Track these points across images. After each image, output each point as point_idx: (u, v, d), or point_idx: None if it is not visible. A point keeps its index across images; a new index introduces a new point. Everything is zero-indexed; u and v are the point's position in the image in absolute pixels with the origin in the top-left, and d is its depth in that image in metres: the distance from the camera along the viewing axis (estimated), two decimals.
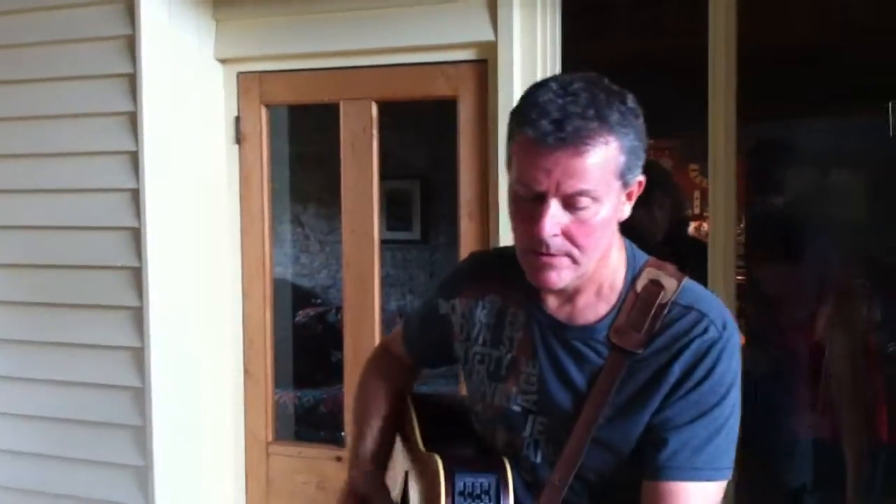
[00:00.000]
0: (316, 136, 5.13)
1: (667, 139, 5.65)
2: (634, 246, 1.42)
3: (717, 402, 1.30)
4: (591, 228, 1.28)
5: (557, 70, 2.72)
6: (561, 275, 1.31)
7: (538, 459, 1.40)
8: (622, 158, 1.27)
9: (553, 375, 1.38)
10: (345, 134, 2.97)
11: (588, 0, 2.71)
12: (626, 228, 1.34)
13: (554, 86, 1.27)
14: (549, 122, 1.24)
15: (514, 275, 1.39)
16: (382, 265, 2.99)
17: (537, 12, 2.67)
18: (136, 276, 2.89)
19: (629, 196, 1.33)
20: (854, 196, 3.68)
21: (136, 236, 2.88)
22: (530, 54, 2.68)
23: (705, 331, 1.30)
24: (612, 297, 1.37)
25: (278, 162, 4.62)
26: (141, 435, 2.92)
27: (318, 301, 5.93)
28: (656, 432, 1.31)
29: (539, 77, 2.66)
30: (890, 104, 4.09)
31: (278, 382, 4.73)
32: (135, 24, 2.83)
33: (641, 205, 3.36)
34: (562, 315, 1.39)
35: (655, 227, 3.20)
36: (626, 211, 1.34)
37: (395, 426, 1.66)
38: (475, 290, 1.51)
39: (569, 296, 1.38)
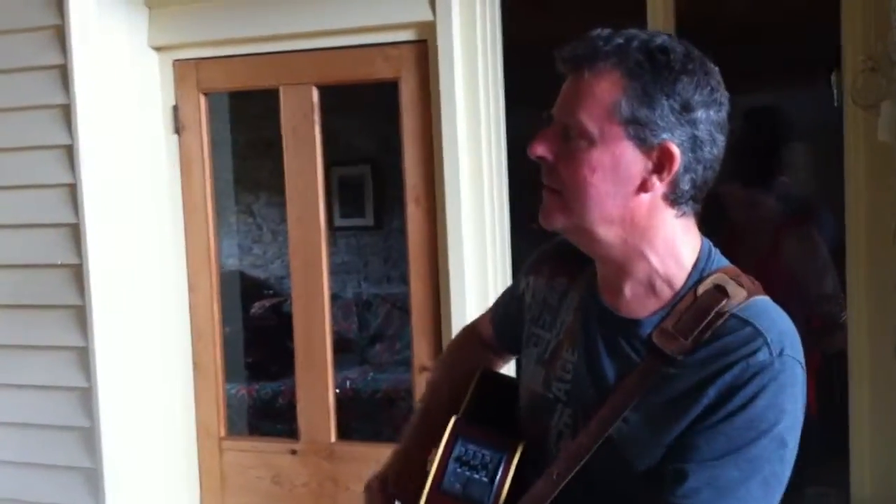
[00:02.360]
0: (263, 122, 5.06)
1: None
2: (717, 251, 1.27)
3: (754, 439, 1.12)
4: (576, 165, 1.18)
5: (498, 49, 2.69)
6: (553, 214, 1.22)
7: (558, 452, 1.28)
8: (624, 100, 1.15)
9: (587, 366, 1.27)
10: (286, 120, 2.92)
11: None
12: None
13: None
14: (569, 44, 1.19)
15: (587, 260, 1.30)
16: (336, 252, 2.96)
17: None
18: (78, 274, 2.82)
19: (656, 165, 1.17)
20: (800, 167, 3.68)
21: (76, 232, 2.81)
22: (470, 33, 2.65)
23: (755, 353, 1.13)
24: (665, 294, 1.23)
25: (222, 151, 4.57)
26: (89, 436, 2.85)
27: (272, 292, 5.88)
28: (678, 460, 1.15)
29: (479, 56, 2.65)
30: (832, 75, 4.11)
31: (234, 376, 4.70)
32: (64, 14, 2.74)
33: None
34: (610, 304, 1.27)
35: None
36: (656, 186, 1.18)
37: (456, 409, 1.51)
38: (550, 270, 1.41)
39: (616, 282, 1.26)
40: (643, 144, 1.16)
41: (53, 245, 2.84)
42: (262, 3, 2.85)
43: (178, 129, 3.03)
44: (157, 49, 3.02)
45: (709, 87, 1.18)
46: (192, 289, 3.07)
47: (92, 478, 2.86)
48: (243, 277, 5.96)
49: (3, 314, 2.94)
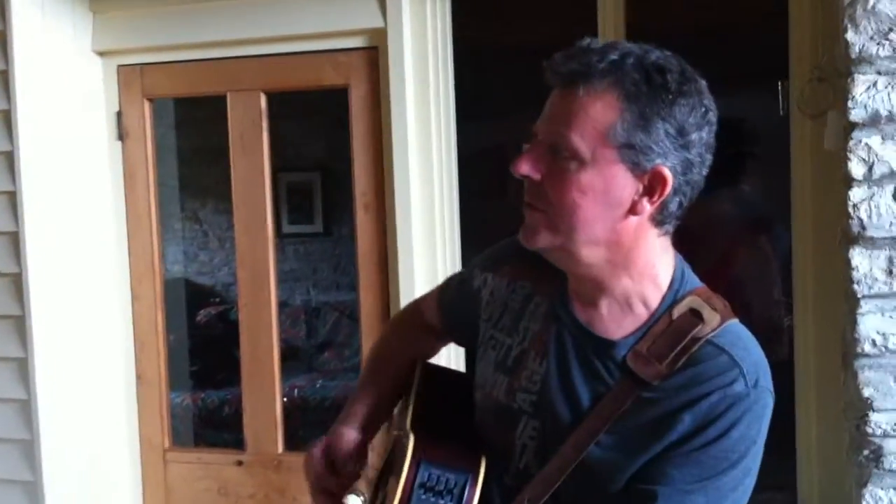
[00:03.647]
0: (209, 127, 4.99)
1: None
2: (689, 270, 1.27)
3: (726, 469, 1.14)
4: (565, 185, 1.15)
5: (449, 56, 2.68)
6: (537, 235, 1.19)
7: (521, 465, 1.28)
8: (619, 124, 1.12)
9: (558, 380, 1.25)
10: (233, 126, 2.87)
11: None
12: None
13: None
14: (560, 56, 1.16)
15: (551, 265, 1.27)
16: (285, 259, 2.93)
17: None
18: (17, 283, 2.74)
19: (647, 188, 1.15)
20: (750, 175, 3.71)
21: (15, 241, 2.73)
22: (421, 40, 2.64)
23: (731, 383, 1.14)
24: (641, 315, 1.22)
25: (167, 157, 4.49)
26: (29, 449, 2.77)
27: (219, 300, 5.80)
28: (649, 482, 1.16)
29: (430, 62, 2.64)
30: (780, 84, 4.17)
31: (178, 385, 4.62)
32: (6, 18, 2.68)
33: None
34: (584, 319, 1.25)
35: None
36: (645, 207, 1.16)
37: (399, 392, 1.52)
38: (512, 271, 1.37)
39: (591, 298, 1.24)
40: (636, 168, 1.14)
41: None
42: (208, 8, 2.80)
43: (121, 136, 2.96)
44: (101, 54, 2.95)
45: (703, 109, 1.17)
46: (135, 298, 3.01)
47: (32, 492, 2.78)
48: (189, 285, 5.87)
49: None
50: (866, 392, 1.76)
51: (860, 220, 1.75)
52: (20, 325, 2.75)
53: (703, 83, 1.19)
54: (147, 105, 2.96)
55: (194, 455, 3.10)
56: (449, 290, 1.54)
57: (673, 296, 1.22)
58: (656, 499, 1.14)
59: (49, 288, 2.78)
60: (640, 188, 1.15)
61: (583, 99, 1.14)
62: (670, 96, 1.13)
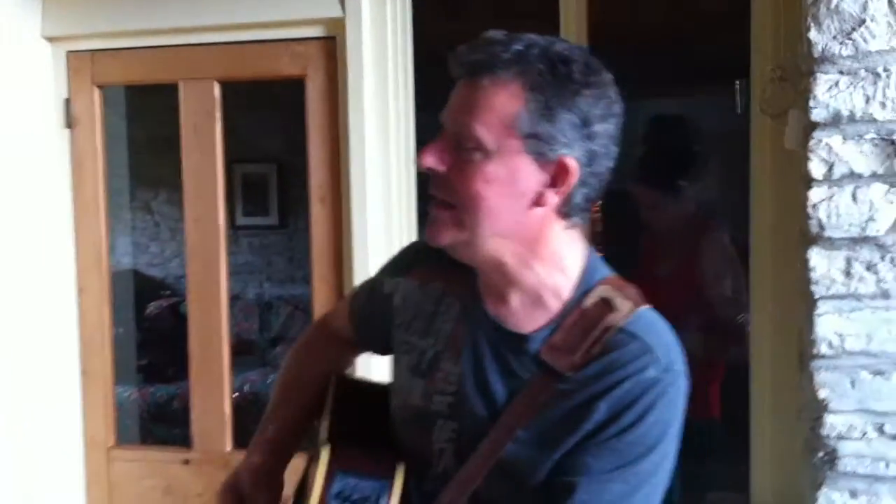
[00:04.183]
0: (163, 116, 4.89)
1: None
2: (602, 262, 1.27)
3: (644, 454, 1.14)
4: (470, 178, 1.14)
5: (408, 48, 2.64)
6: (443, 231, 1.18)
7: (440, 469, 1.25)
8: (525, 113, 1.12)
9: (473, 379, 1.24)
10: (185, 116, 2.80)
11: None
12: None
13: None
14: (465, 47, 1.16)
15: (463, 264, 1.26)
16: (239, 252, 2.88)
17: None
18: None
19: (553, 179, 1.15)
20: (706, 172, 3.73)
21: None
22: (380, 31, 2.59)
23: (644, 369, 1.14)
24: (553, 308, 1.21)
25: (118, 146, 4.39)
26: None
27: (169, 292, 5.71)
28: (568, 473, 1.15)
29: (390, 53, 2.59)
30: (737, 83, 4.19)
31: (126, 379, 4.52)
32: None
33: None
34: (497, 314, 1.24)
35: None
36: (550, 198, 1.16)
37: (312, 414, 1.46)
38: (423, 273, 1.35)
39: (501, 292, 1.24)
40: (541, 159, 1.14)
41: None
42: None
43: (70, 124, 2.87)
44: (50, 40, 2.86)
45: (607, 99, 1.17)
46: (81, 290, 2.92)
47: None
48: (138, 276, 5.76)
49: None
50: (822, 393, 1.75)
51: (819, 220, 1.74)
52: None
53: (609, 76, 1.19)
54: (97, 92, 2.87)
55: (140, 453, 3.02)
56: (359, 300, 1.50)
57: (584, 287, 1.22)
58: (575, 490, 1.13)
59: None
60: (546, 179, 1.15)
61: (487, 89, 1.13)
62: (575, 86, 1.13)
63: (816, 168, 1.74)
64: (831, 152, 1.73)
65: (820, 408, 1.76)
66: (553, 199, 1.16)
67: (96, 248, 2.91)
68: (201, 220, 2.84)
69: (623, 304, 1.19)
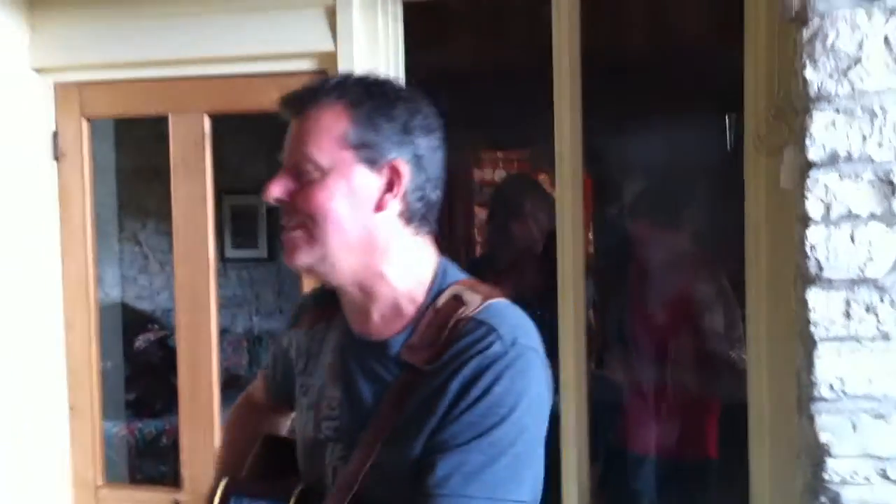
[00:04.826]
0: (151, 147, 4.85)
1: (516, 149, 5.66)
2: (453, 266, 1.36)
3: (496, 424, 1.18)
4: (313, 194, 1.24)
5: (401, 80, 2.62)
6: (298, 252, 1.27)
7: (334, 489, 1.29)
8: (350, 128, 1.24)
9: (347, 396, 1.32)
10: (174, 149, 2.77)
11: (430, 9, 2.61)
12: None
13: None
14: (289, 92, 1.29)
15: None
16: (227, 285, 2.85)
17: (378, 21, 2.57)
18: None
19: (388, 183, 1.26)
20: (697, 204, 3.73)
21: None
22: (372, 64, 2.56)
23: (489, 346, 1.20)
24: (409, 312, 1.30)
25: (106, 177, 4.35)
26: None
27: (157, 326, 5.64)
28: (429, 456, 1.19)
29: None
30: (727, 117, 4.20)
31: (114, 413, 4.46)
32: None
33: (516, 217, 3.30)
34: (361, 332, 1.33)
35: (533, 240, 3.15)
36: (390, 203, 1.27)
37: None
38: (310, 318, 1.47)
39: (361, 308, 1.32)
40: (373, 165, 1.25)
41: None
42: (151, 26, 2.70)
43: (57, 156, 2.84)
44: (39, 71, 2.83)
45: (422, 114, 1.29)
46: (68, 326, 2.88)
47: None
48: (126, 309, 5.70)
49: None
50: (823, 437, 1.72)
51: (817, 261, 1.71)
52: None
53: (424, 100, 1.32)
54: (85, 124, 2.85)
55: (128, 493, 2.99)
56: (270, 367, 1.60)
57: (437, 289, 1.31)
58: (436, 466, 1.18)
59: None
60: (382, 184, 1.26)
61: (314, 115, 1.26)
62: (391, 100, 1.27)
63: (814, 208, 1.72)
64: (829, 192, 1.71)
65: (821, 452, 1.73)
66: (393, 203, 1.27)
67: (83, 281, 2.87)
68: (190, 254, 2.81)
69: (473, 298, 1.27)
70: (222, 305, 3.00)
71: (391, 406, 1.25)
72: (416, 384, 1.23)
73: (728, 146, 4.09)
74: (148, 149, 4.74)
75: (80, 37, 2.78)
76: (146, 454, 4.78)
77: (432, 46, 3.06)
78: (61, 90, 2.85)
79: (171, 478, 3.19)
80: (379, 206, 1.26)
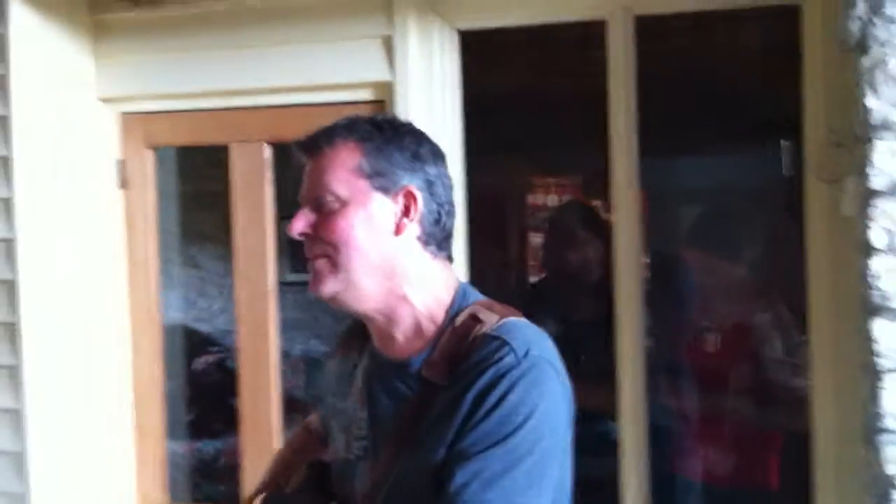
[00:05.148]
0: (210, 172, 4.93)
1: (568, 175, 5.66)
2: (473, 289, 1.42)
3: (512, 432, 1.21)
4: (336, 224, 1.32)
5: (457, 109, 2.65)
6: (324, 281, 1.34)
7: None
8: (363, 159, 1.33)
9: (375, 417, 1.38)
10: (235, 177, 2.83)
11: (485, 37, 2.64)
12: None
13: None
14: (302, 137, 1.39)
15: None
16: (285, 308, 2.89)
17: (434, 51, 2.60)
18: (11, 332, 2.68)
19: (404, 208, 1.34)
20: (753, 231, 3.71)
21: (11, 289, 2.67)
22: (428, 94, 2.60)
23: (502, 358, 1.25)
24: (430, 332, 1.36)
25: (168, 203, 4.45)
26: (20, 503, 2.68)
27: (217, 349, 5.72)
28: (448, 466, 1.24)
29: (438, 117, 2.60)
30: (782, 143, 4.16)
31: (175, 433, 4.53)
32: (6, 63, 2.64)
33: (573, 246, 3.28)
34: (386, 353, 1.40)
35: (590, 268, 3.15)
36: (408, 227, 1.34)
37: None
38: (343, 348, 1.55)
39: (385, 331, 1.39)
40: (388, 192, 1.34)
41: None
42: (213, 57, 2.77)
43: (123, 184, 2.92)
44: (105, 101, 2.92)
45: (428, 144, 1.39)
46: (134, 349, 2.95)
47: None
48: (187, 331, 5.79)
49: None
50: (891, 469, 1.70)
51: (882, 291, 1.70)
52: (14, 375, 2.68)
53: (428, 136, 1.42)
54: (149, 153, 2.93)
55: None
56: (319, 397, 1.69)
57: (456, 309, 1.37)
58: (454, 474, 1.21)
59: (45, 337, 2.72)
60: (398, 210, 1.34)
61: (329, 153, 1.35)
62: (398, 133, 1.37)
63: (877, 237, 1.71)
64: (893, 221, 1.70)
65: (888, 483, 1.71)
66: (410, 226, 1.35)
67: (148, 305, 2.94)
68: (250, 278, 2.86)
69: (490, 317, 1.33)
70: (281, 329, 3.05)
71: (410, 420, 1.30)
72: (434, 398, 1.29)
73: (784, 172, 4.05)
74: (205, 174, 4.84)
75: (145, 68, 2.86)
76: (205, 474, 4.83)
77: (487, 73, 3.09)
78: (126, 120, 2.93)
79: (228, 498, 3.22)
80: (397, 230, 1.34)
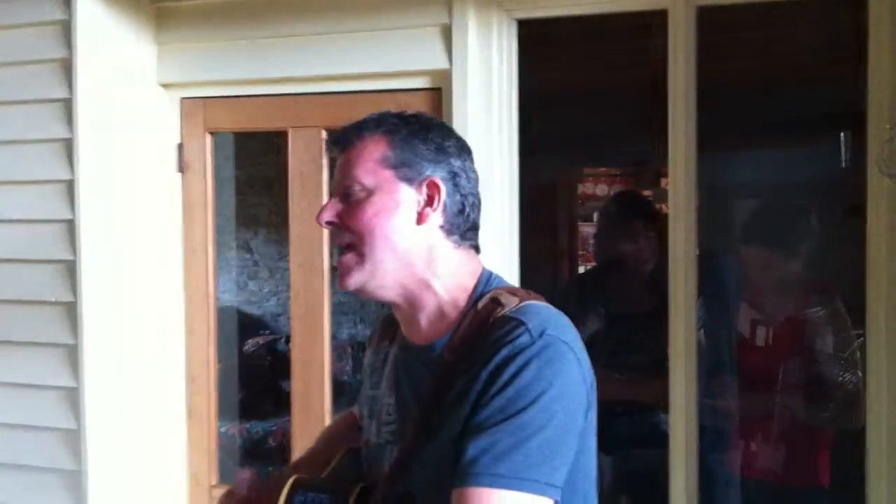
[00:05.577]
0: (265, 158, 4.99)
1: (620, 166, 5.63)
2: (497, 275, 1.45)
3: (525, 408, 1.23)
4: (362, 213, 1.36)
5: (514, 98, 2.65)
6: (351, 274, 1.38)
7: None
8: (389, 151, 1.37)
9: (402, 402, 1.42)
10: (293, 163, 2.86)
11: (546, 28, 2.64)
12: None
13: None
14: (335, 132, 1.44)
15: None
16: (334, 293, 2.92)
17: (493, 40, 2.60)
18: (71, 312, 2.74)
19: (427, 198, 1.38)
20: (809, 224, 3.67)
21: (71, 270, 2.74)
22: (486, 83, 2.60)
23: (517, 337, 1.27)
24: (452, 317, 1.40)
25: (224, 188, 4.52)
26: (75, 480, 2.76)
27: (268, 331, 5.79)
28: (463, 441, 1.26)
29: (495, 105, 2.61)
30: (842, 135, 4.10)
31: (225, 414, 4.60)
32: (71, 47, 2.70)
33: (626, 236, 3.26)
34: (412, 339, 1.44)
35: (642, 258, 3.14)
36: (431, 217, 1.38)
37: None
38: (377, 338, 1.58)
39: (411, 318, 1.43)
40: (412, 182, 1.38)
41: (48, 282, 2.77)
42: (272, 44, 2.80)
43: (181, 168, 2.97)
44: (165, 86, 2.97)
45: (454, 138, 1.44)
46: (188, 331, 3.00)
47: None
48: (238, 314, 5.87)
49: None
50: None
51: None
52: (73, 354, 2.75)
53: (454, 131, 1.47)
54: (209, 138, 2.97)
55: None
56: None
57: (478, 294, 1.40)
58: (467, 448, 1.24)
59: (103, 318, 2.78)
60: (422, 199, 1.38)
61: (358, 147, 1.40)
62: (425, 127, 1.42)
63: None
64: None
65: None
66: (433, 216, 1.39)
67: (203, 290, 2.99)
68: (304, 265, 2.89)
69: (510, 300, 1.35)
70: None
71: (431, 402, 1.33)
72: (454, 379, 1.31)
73: (842, 164, 3.98)
74: (260, 161, 4.90)
75: (205, 55, 2.90)
76: (253, 454, 4.90)
77: (541, 63, 3.08)
78: (186, 105, 2.97)
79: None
80: (420, 220, 1.38)
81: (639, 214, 3.24)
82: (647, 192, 5.10)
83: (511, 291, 1.39)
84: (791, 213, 3.09)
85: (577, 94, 3.91)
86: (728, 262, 3.21)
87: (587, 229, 5.40)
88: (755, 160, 3.96)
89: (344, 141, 1.43)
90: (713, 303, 3.20)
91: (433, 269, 1.39)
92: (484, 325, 1.33)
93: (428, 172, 1.39)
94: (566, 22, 2.65)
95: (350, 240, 1.38)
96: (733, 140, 3.94)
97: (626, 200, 3.90)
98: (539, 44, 2.76)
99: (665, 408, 2.56)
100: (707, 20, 2.46)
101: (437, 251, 1.40)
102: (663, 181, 4.21)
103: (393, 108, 2.34)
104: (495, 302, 1.35)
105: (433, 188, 1.39)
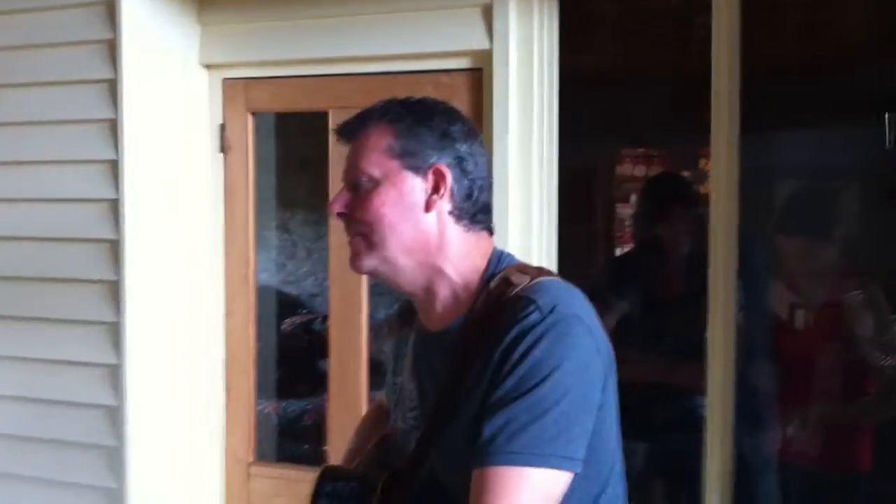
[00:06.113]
0: (304, 140, 4.99)
1: (658, 147, 5.58)
2: (507, 254, 1.46)
3: (538, 384, 1.24)
4: (369, 203, 1.37)
5: (554, 79, 2.64)
6: (361, 257, 1.40)
7: None
8: (394, 140, 1.37)
9: (422, 387, 1.44)
10: (334, 144, 2.84)
11: (587, 9, 2.62)
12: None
13: None
14: (341, 122, 1.45)
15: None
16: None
17: (534, 21, 2.59)
18: (114, 290, 2.79)
19: (434, 185, 1.38)
20: (851, 208, 3.62)
21: (115, 249, 2.78)
22: (526, 64, 2.59)
23: (527, 315, 1.28)
24: (466, 300, 1.40)
25: (265, 169, 4.53)
26: (115, 456, 2.81)
27: (305, 311, 5.82)
28: (479, 422, 1.27)
29: (535, 86, 2.60)
30: (887, 115, 4.03)
31: (262, 392, 4.64)
32: (116, 28, 2.73)
33: (665, 218, 3.24)
34: (429, 325, 1.45)
35: (681, 241, 3.12)
36: (438, 204, 1.38)
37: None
38: (399, 327, 1.61)
39: (427, 304, 1.43)
40: (418, 170, 1.38)
41: (92, 260, 2.82)
42: (314, 25, 2.81)
43: (223, 148, 2.99)
44: (208, 67, 2.99)
45: (460, 123, 1.43)
46: (228, 312, 3.03)
47: (116, 499, 2.81)
48: (276, 293, 5.91)
49: (37, 327, 2.92)
50: None
51: None
52: (115, 331, 2.80)
53: (461, 114, 1.46)
54: (250, 119, 2.99)
55: (277, 470, 3.10)
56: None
57: (490, 275, 1.41)
58: (483, 428, 1.25)
59: (145, 296, 2.82)
60: (429, 187, 1.38)
61: (363, 138, 1.40)
62: (429, 114, 1.41)
63: None
64: None
65: None
66: (440, 203, 1.38)
67: (244, 270, 3.02)
68: (344, 244, 2.88)
69: (521, 279, 1.36)
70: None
71: (449, 386, 1.34)
72: (470, 362, 1.32)
73: (887, 146, 3.91)
74: (300, 142, 4.91)
75: (247, 35, 2.92)
76: (289, 433, 4.94)
77: (585, 45, 3.07)
78: (228, 86, 2.99)
79: (313, 457, 3.29)
80: (427, 207, 1.38)
81: (678, 197, 3.22)
82: (686, 172, 5.06)
83: (522, 269, 1.40)
84: (830, 197, 3.06)
85: (617, 75, 3.88)
86: (765, 246, 3.19)
87: (625, 211, 5.36)
88: (797, 141, 3.91)
89: (350, 132, 1.43)
90: (751, 285, 3.18)
91: (445, 255, 1.40)
92: (496, 306, 1.34)
93: (433, 160, 1.39)
94: (607, 1, 2.64)
95: (359, 230, 1.39)
96: (775, 121, 3.89)
97: (665, 182, 3.87)
98: (580, 24, 2.74)
99: (702, 391, 2.55)
100: (752, 5, 2.44)
101: (447, 237, 1.40)
102: (702, 162, 4.18)
103: (431, 90, 2.37)
104: (507, 282, 1.36)
105: (438, 175, 1.39)
